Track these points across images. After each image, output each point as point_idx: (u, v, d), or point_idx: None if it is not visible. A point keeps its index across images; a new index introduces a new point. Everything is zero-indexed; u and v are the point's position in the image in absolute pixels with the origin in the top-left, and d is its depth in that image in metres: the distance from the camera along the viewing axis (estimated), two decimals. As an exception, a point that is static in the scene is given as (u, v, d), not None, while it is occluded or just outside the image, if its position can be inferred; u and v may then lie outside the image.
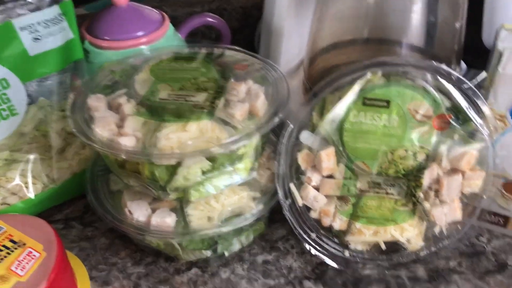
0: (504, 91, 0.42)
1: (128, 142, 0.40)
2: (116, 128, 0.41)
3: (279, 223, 0.49)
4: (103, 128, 0.41)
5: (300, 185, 0.44)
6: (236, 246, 0.47)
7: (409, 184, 0.43)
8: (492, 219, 0.48)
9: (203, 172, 0.41)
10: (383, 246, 0.45)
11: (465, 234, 0.47)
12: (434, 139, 0.42)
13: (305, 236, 0.45)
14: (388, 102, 0.42)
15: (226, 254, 0.47)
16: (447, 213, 0.44)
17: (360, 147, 0.43)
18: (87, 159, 0.52)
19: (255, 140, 0.43)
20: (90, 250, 0.48)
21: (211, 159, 0.41)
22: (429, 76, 0.42)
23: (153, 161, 0.39)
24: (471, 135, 0.43)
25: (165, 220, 0.43)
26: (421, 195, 0.43)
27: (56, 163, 0.50)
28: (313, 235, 0.45)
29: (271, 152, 0.48)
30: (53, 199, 0.51)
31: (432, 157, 0.43)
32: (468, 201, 0.44)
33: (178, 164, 0.40)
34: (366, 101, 0.42)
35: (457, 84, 0.42)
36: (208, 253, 0.46)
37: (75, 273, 0.44)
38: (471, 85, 0.41)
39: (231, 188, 0.44)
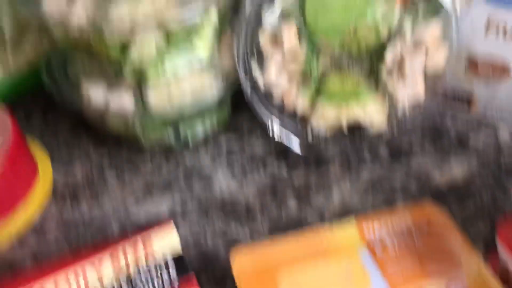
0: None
1: (79, 17, 0.38)
2: (67, 4, 0.39)
3: (244, 111, 0.48)
4: (52, 4, 0.39)
5: (261, 65, 0.43)
6: (199, 132, 0.46)
7: (372, 61, 0.43)
8: (456, 99, 0.48)
9: (158, 48, 0.39)
10: (345, 129, 0.45)
11: (428, 115, 0.48)
12: (397, 14, 0.41)
13: (267, 121, 0.45)
14: (350, -27, 0.40)
15: (190, 142, 0.47)
16: (410, 92, 0.43)
17: (322, 22, 0.42)
18: (45, 51, 0.50)
19: (213, 16, 0.41)
20: (52, 137, 0.48)
21: (166, 34, 0.39)
22: None
23: (105, 34, 0.38)
24: (435, 10, 0.42)
25: (123, 101, 0.42)
26: (384, 73, 0.43)
27: (11, 55, 0.49)
28: (276, 119, 0.45)
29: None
30: (12, 92, 0.50)
31: (395, 33, 0.42)
32: (432, 81, 0.44)
33: (132, 41, 0.39)
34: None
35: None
36: (170, 136, 0.45)
37: (36, 157, 0.44)
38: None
39: (191, 72, 0.43)
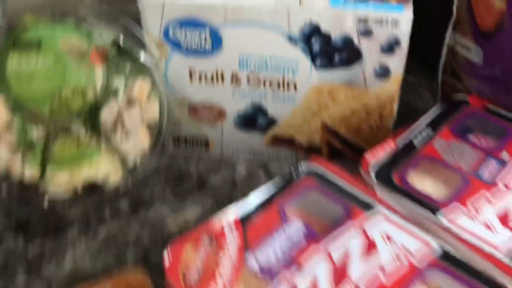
0: (152, 19, 0.43)
1: None
2: None
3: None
4: None
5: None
6: None
7: (93, 122, 0.43)
8: (196, 143, 0.50)
9: None
10: (80, 191, 0.45)
11: (172, 162, 0.49)
12: (100, 75, 0.43)
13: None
14: (39, 43, 0.41)
15: None
16: (134, 143, 0.45)
17: (28, 91, 0.42)
18: None
19: None
20: None
21: None
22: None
23: None
24: (141, 68, 0.44)
25: None
26: (106, 131, 0.44)
27: None
28: (4, 187, 0.44)
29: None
30: None
31: (107, 93, 0.43)
32: (153, 130, 0.45)
33: None
34: (18, 45, 0.41)
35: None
36: None
37: None
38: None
39: None
